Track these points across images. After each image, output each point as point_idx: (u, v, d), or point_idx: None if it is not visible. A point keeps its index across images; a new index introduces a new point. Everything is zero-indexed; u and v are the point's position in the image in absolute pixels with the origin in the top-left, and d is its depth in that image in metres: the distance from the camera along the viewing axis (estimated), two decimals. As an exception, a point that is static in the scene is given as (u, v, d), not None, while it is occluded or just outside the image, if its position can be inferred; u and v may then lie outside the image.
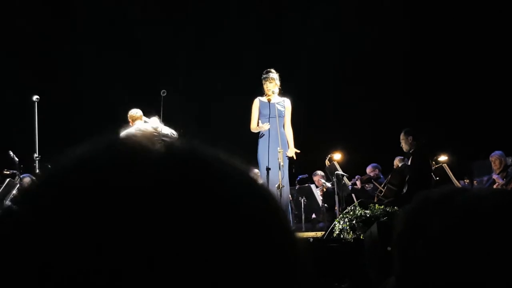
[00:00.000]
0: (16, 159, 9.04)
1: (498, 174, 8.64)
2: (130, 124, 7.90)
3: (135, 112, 8.00)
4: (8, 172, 9.07)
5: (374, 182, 9.95)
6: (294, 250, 0.50)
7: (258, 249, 0.47)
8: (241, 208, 0.48)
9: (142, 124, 7.96)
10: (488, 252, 0.93)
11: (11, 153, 9.08)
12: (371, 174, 10.30)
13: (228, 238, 0.46)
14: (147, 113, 8.44)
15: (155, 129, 7.89)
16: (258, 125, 8.10)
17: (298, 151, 8.15)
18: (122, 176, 0.46)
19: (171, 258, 0.44)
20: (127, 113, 8.06)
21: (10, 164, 9.14)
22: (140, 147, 0.49)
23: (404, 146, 8.09)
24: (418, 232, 0.99)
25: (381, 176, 10.04)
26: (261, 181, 0.53)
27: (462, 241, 0.94)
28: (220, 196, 0.48)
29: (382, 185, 8.72)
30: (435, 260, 0.96)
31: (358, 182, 10.24)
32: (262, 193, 0.51)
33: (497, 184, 8.49)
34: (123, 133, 7.21)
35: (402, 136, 8.10)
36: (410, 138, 8.01)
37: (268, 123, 7.99)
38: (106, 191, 0.45)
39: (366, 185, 10.30)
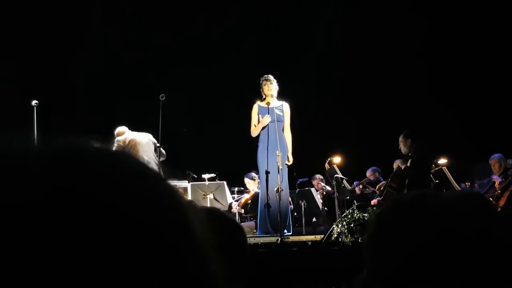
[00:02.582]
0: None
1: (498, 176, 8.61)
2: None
3: (122, 128, 8.40)
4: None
5: (372, 187, 9.92)
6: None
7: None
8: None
9: (133, 133, 8.30)
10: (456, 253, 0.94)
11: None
12: (371, 178, 10.26)
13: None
14: (147, 117, 8.46)
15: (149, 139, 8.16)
16: (258, 124, 8.13)
17: (291, 162, 8.13)
18: None
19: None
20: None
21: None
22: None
23: (403, 148, 7.96)
24: (389, 232, 1.02)
25: (381, 180, 9.98)
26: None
27: (430, 242, 0.96)
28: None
29: (378, 187, 8.67)
30: (404, 258, 0.98)
31: (357, 189, 10.22)
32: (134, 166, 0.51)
33: (496, 183, 8.47)
34: (120, 138, 7.35)
35: (401, 139, 7.96)
36: (409, 140, 7.85)
37: (268, 115, 8.03)
38: None
39: (366, 189, 10.25)
